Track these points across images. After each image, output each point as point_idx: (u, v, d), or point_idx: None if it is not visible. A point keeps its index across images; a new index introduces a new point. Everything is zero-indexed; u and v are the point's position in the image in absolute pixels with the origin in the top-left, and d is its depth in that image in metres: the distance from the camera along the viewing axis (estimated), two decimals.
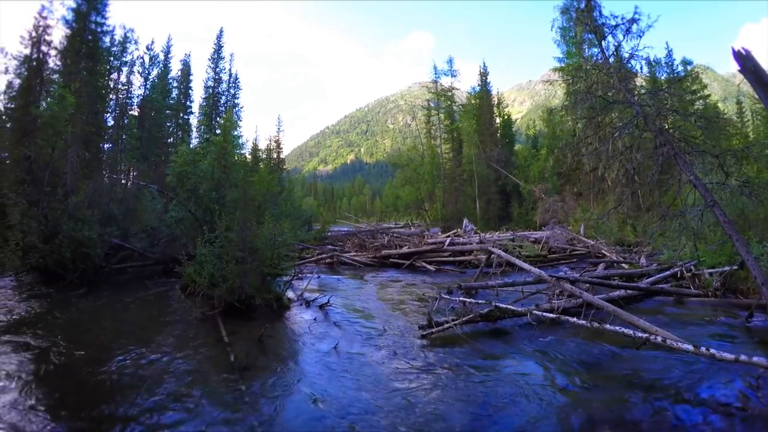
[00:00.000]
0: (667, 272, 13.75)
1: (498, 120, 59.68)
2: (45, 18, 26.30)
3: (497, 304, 9.40)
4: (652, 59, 47.15)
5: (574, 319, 8.25)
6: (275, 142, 53.88)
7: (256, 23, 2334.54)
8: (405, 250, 22.21)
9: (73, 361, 7.21)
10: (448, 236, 27.01)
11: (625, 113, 8.97)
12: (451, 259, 20.93)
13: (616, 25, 10.09)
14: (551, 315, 8.68)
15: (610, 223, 26.45)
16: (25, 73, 25.18)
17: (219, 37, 45.84)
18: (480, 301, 10.03)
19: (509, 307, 9.39)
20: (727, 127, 44.68)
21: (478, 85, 58.68)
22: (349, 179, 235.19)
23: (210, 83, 44.52)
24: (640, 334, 6.94)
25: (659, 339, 6.75)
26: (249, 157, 47.03)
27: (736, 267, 11.62)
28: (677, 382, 6.29)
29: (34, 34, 26.18)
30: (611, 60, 9.46)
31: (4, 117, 24.74)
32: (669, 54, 47.68)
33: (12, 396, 5.71)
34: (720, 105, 49.14)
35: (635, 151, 8.69)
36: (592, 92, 9.53)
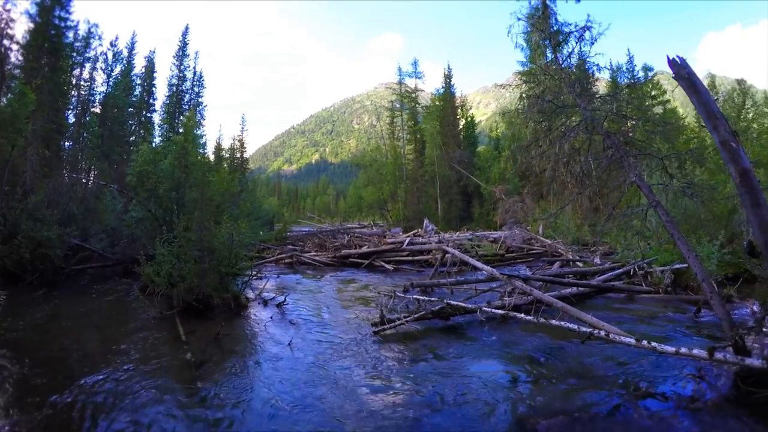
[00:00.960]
0: (620, 270, 14.32)
1: (462, 122, 60.40)
2: (8, 11, 25.91)
3: (449, 301, 9.80)
4: (614, 65, 48.38)
5: (522, 315, 8.62)
6: (239, 141, 53.47)
7: (221, 20, 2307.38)
8: (364, 249, 22.55)
9: (32, 360, 7.33)
10: (408, 236, 27.43)
11: (575, 117, 9.35)
12: (410, 258, 21.32)
13: (570, 33, 10.54)
14: (500, 311, 9.06)
15: (567, 223, 27.22)
16: None
17: (184, 34, 45.45)
18: (432, 299, 10.32)
19: (460, 304, 9.77)
20: (685, 130, 46.20)
21: (442, 87, 59.33)
22: (313, 179, 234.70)
23: (174, 81, 44.10)
24: (584, 329, 7.22)
25: (603, 333, 7.01)
26: (212, 156, 46.82)
27: (685, 265, 11.89)
28: (621, 374, 6.69)
29: None
30: (564, 65, 9.88)
31: None
32: (630, 60, 49.11)
33: None
34: (681, 109, 50.59)
35: (586, 153, 9.02)
36: (541, 97, 9.94)
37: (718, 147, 4.88)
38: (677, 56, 5.79)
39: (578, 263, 18.50)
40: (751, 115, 42.49)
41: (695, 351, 5.91)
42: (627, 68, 49.46)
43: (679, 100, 46.90)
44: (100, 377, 6.64)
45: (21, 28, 27.28)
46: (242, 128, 55.20)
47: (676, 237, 7.18)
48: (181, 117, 41.56)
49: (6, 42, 25.56)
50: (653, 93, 48.09)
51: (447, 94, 58.84)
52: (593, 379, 6.63)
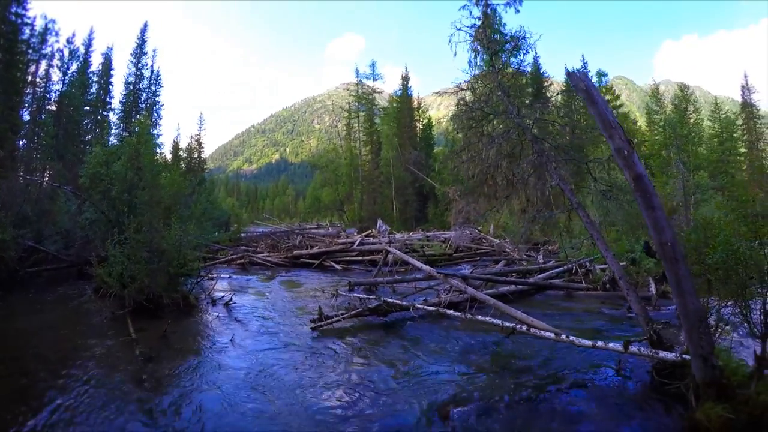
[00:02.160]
0: (561, 268, 15.06)
1: (419, 123, 61.08)
2: None
3: (385, 299, 10.38)
4: (570, 69, 49.90)
5: (452, 311, 9.28)
6: (196, 141, 53.02)
7: (182, 18, 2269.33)
8: (315, 250, 22.94)
9: None
10: (360, 237, 28.02)
11: (506, 123, 9.89)
12: (359, 258, 21.79)
13: (506, 42, 11.19)
14: (431, 308, 9.70)
15: (516, 223, 28.16)
16: None
17: (143, 31, 45.10)
18: (371, 297, 10.87)
19: (395, 301, 10.41)
20: (636, 134, 47.73)
21: (400, 89, 59.84)
22: (273, 179, 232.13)
23: (131, 79, 43.65)
24: (507, 324, 7.69)
25: (524, 328, 7.52)
26: (170, 156, 46.54)
27: (624, 263, 12.63)
28: (544, 367, 7.24)
29: None
30: (499, 73, 10.46)
31: None
32: (584, 65, 50.48)
33: None
34: (637, 113, 52.30)
35: (518, 158, 9.53)
36: (469, 105, 10.56)
37: (614, 154, 5.18)
38: (576, 69, 6.35)
39: (522, 262, 19.26)
40: (693, 120, 44.00)
41: (611, 344, 6.32)
42: (582, 72, 50.62)
43: (636, 104, 48.44)
44: (53, 373, 7.11)
45: None
46: (200, 127, 54.98)
47: (596, 237, 7.74)
48: (138, 116, 41.23)
49: None
50: (607, 97, 49.37)
51: (404, 95, 59.37)
52: (515, 371, 7.12)
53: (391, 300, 10.51)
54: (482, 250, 24.10)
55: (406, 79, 59.76)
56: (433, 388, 6.52)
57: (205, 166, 56.31)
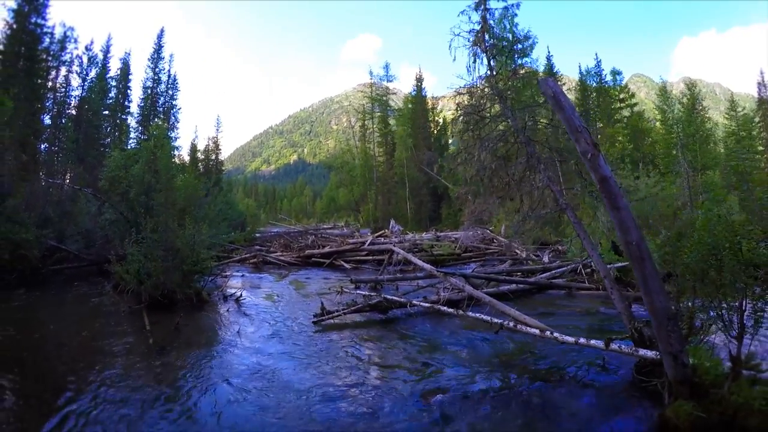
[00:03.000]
0: (565, 268, 15.14)
1: (433, 124, 61.22)
2: None
3: (385, 296, 10.92)
4: (584, 69, 49.61)
5: (446, 308, 9.74)
6: (214, 142, 53.63)
7: (203, 19, 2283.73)
8: (327, 249, 23.35)
9: (14, 348, 8.42)
10: (372, 237, 28.43)
11: (501, 126, 10.09)
12: (369, 258, 22.12)
13: (503, 47, 11.45)
14: (426, 305, 10.21)
15: (536, 225, 28.32)
16: None
17: (160, 36, 45.85)
18: (372, 294, 11.44)
19: (394, 298, 10.87)
20: (650, 133, 47.44)
21: (414, 90, 60.05)
22: (291, 180, 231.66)
23: (149, 84, 44.47)
24: (496, 320, 8.01)
25: (512, 324, 7.82)
26: (187, 158, 47.24)
27: (627, 263, 12.07)
28: (530, 362, 7.52)
29: None
30: (497, 77, 10.66)
31: None
32: (597, 64, 50.28)
33: None
34: (655, 112, 51.61)
35: (515, 160, 9.57)
36: (465, 109, 10.83)
37: (581, 157, 5.28)
38: (547, 78, 6.50)
39: (528, 262, 19.54)
40: (700, 118, 43.43)
41: (593, 342, 6.51)
42: (595, 72, 50.45)
43: (654, 102, 47.56)
44: (73, 359, 7.83)
45: None
46: (217, 129, 55.45)
47: (582, 237, 7.88)
48: (156, 120, 42.00)
49: None
50: (621, 96, 49.11)
51: (418, 96, 59.54)
52: (502, 365, 7.40)
53: (390, 297, 10.98)
54: (491, 250, 24.21)
55: (419, 80, 59.97)
56: (418, 378, 6.90)
57: (222, 168, 56.77)
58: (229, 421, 5.40)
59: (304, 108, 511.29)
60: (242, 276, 18.46)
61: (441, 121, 63.16)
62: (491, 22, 11.20)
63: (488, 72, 10.78)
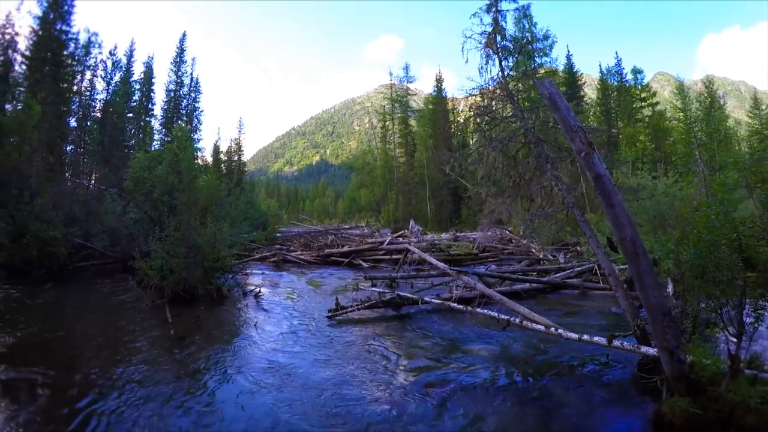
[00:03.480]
0: (580, 268, 15.12)
1: (453, 125, 61.20)
2: (12, 25, 27.55)
3: (398, 293, 11.29)
4: (604, 68, 49.28)
5: (456, 304, 10.06)
6: (236, 144, 54.20)
7: (227, 18, 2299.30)
8: (345, 249, 23.70)
9: (44, 339, 8.92)
10: (391, 237, 28.74)
11: (513, 126, 10.23)
12: (387, 257, 22.40)
13: (514, 47, 11.57)
14: (437, 301, 10.61)
15: (546, 223, 28.28)
16: None
17: (182, 40, 46.62)
18: (386, 291, 11.82)
19: (407, 295, 11.23)
20: (671, 132, 46.91)
21: (434, 91, 60.13)
22: (314, 181, 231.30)
23: (171, 86, 45.26)
24: (503, 317, 8.25)
25: (518, 320, 8.03)
26: (210, 159, 47.92)
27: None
28: (535, 357, 7.70)
29: (0, 37, 27.42)
30: (508, 78, 10.75)
31: None
32: (618, 63, 49.90)
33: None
34: (677, 110, 50.80)
35: (524, 160, 9.64)
36: (476, 110, 10.98)
37: (576, 156, 5.42)
38: (543, 79, 6.61)
39: (544, 262, 19.64)
40: (718, 117, 42.72)
41: (596, 338, 6.59)
42: (616, 71, 50.11)
43: (678, 100, 46.73)
44: (99, 348, 8.36)
45: (23, 39, 29.00)
46: (239, 131, 56.02)
47: (589, 235, 7.88)
48: (179, 122, 42.75)
49: (11, 53, 27.32)
50: (643, 95, 48.60)
51: (438, 97, 59.56)
52: (508, 360, 7.65)
53: (403, 294, 11.32)
54: (509, 250, 24.21)
55: (439, 80, 59.78)
56: (421, 370, 7.24)
57: (245, 169, 57.29)
58: (244, 410, 5.74)
59: (326, 109, 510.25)
60: (262, 274, 18.90)
61: (462, 121, 62.95)
62: (503, 23, 11.29)
63: (500, 73, 10.86)
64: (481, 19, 11.19)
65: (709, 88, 46.70)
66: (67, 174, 29.09)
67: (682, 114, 43.81)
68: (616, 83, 49.81)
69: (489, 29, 11.06)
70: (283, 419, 5.42)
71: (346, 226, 38.84)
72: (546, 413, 5.64)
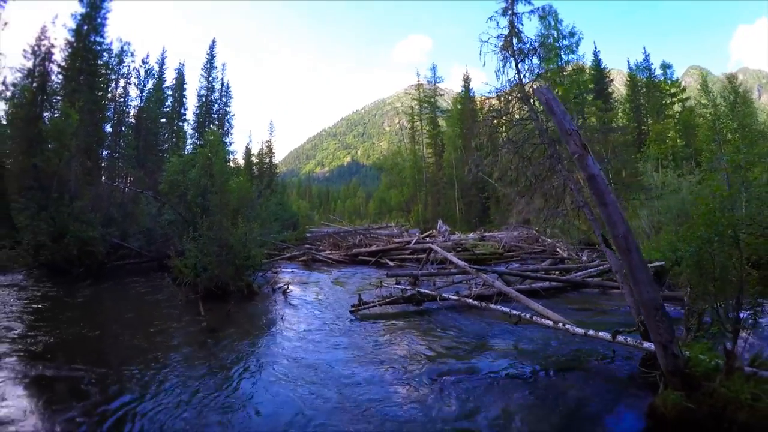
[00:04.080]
0: (601, 267, 15.00)
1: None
2: (48, 37, 28.91)
3: (419, 289, 11.83)
4: (632, 63, 48.58)
5: (472, 301, 10.54)
6: (267, 146, 54.80)
7: (254, 22, 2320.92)
8: (373, 248, 24.31)
9: (85, 331, 9.67)
10: (418, 237, 29.25)
11: (529, 128, 10.48)
12: (412, 256, 22.88)
13: (529, 50, 11.78)
14: (454, 297, 11.05)
15: (569, 224, 28.29)
16: (30, 85, 27.74)
17: (212, 47, 47.56)
18: (407, 288, 12.30)
19: (426, 291, 11.78)
20: (700, 128, 45.90)
21: (462, 91, 60.13)
22: (345, 182, 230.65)
23: (203, 92, 46.33)
24: (515, 312, 8.59)
25: (528, 316, 8.40)
26: (242, 161, 48.83)
27: (662, 263, 12.59)
28: (543, 351, 8.01)
29: (36, 49, 28.70)
30: (525, 80, 10.95)
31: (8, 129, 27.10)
32: (646, 58, 49.17)
33: (52, 348, 8.18)
34: (709, 110, 49.56)
35: (538, 160, 9.84)
36: (492, 113, 11.23)
37: (573, 157, 5.61)
38: (541, 87, 6.76)
39: (568, 261, 19.81)
40: (743, 112, 41.57)
41: (601, 333, 6.84)
42: (644, 66, 49.39)
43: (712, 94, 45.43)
44: (138, 337, 9.13)
45: (59, 50, 30.46)
46: (270, 133, 56.75)
47: (598, 234, 8.14)
48: (211, 126, 43.86)
49: (47, 64, 28.66)
50: (672, 91, 47.73)
51: (466, 96, 59.53)
52: (516, 353, 7.96)
53: (423, 290, 11.86)
54: (534, 250, 24.37)
55: (467, 80, 59.69)
56: (435, 360, 7.77)
57: (276, 170, 57.86)
58: (270, 400, 6.22)
59: (357, 110, 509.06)
60: (291, 272, 19.58)
61: (480, 121, 62.07)
62: (519, 26, 11.47)
63: (516, 76, 11.01)
64: (498, 23, 11.35)
65: (732, 82, 45.50)
66: (103, 177, 30.25)
67: (705, 110, 42.97)
68: (644, 79, 49.15)
69: (505, 32, 11.25)
70: (308, 414, 5.72)
71: (376, 227, 39.15)
72: (550, 404, 5.90)
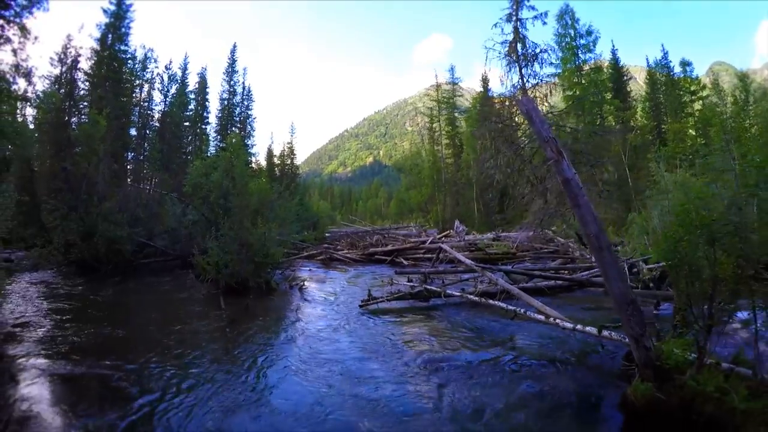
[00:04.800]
0: None
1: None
2: (74, 46, 30.90)
3: (426, 286, 12.52)
4: (651, 61, 48.18)
5: (473, 297, 11.20)
6: (288, 147, 55.29)
7: (277, 21, 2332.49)
8: (388, 248, 25.09)
9: (115, 326, 10.34)
10: (434, 236, 29.82)
11: (531, 132, 10.77)
12: (427, 255, 23.42)
13: (530, 56, 12.17)
14: (458, 294, 11.68)
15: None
16: (58, 92, 29.30)
17: (233, 51, 48.81)
18: (415, 285, 13.06)
19: (432, 288, 12.40)
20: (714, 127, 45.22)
21: (481, 91, 60.13)
22: (368, 182, 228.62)
23: (225, 96, 47.46)
24: (510, 308, 9.24)
25: (523, 311, 8.95)
26: (264, 163, 49.76)
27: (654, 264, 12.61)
28: (536, 345, 8.36)
29: (63, 56, 30.03)
30: (528, 84, 11.35)
31: (36, 134, 28.37)
32: (665, 56, 48.65)
33: (85, 338, 9.09)
34: (730, 108, 48.59)
35: (541, 163, 9.73)
36: (495, 118, 11.54)
37: (550, 162, 5.94)
38: (522, 97, 7.14)
39: (578, 261, 20.20)
40: (754, 111, 40.75)
41: (588, 328, 7.18)
42: (663, 64, 48.97)
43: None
44: (163, 331, 9.93)
45: (85, 58, 31.90)
46: (291, 134, 57.30)
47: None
48: (233, 128, 45.02)
49: (74, 72, 30.05)
50: (692, 89, 47.04)
51: (485, 97, 59.61)
52: (510, 346, 8.38)
53: (429, 287, 12.50)
54: (547, 250, 24.70)
55: (485, 80, 59.70)
56: (433, 350, 8.36)
57: (298, 171, 58.27)
58: (281, 381, 6.92)
59: (378, 110, 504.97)
60: (309, 270, 20.45)
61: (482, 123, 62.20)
62: (523, 32, 11.78)
63: (520, 80, 11.37)
64: (502, 29, 11.71)
65: (743, 80, 44.73)
66: (129, 179, 31.48)
67: (718, 109, 42.28)
68: (663, 76, 48.65)
69: (510, 38, 11.58)
70: (321, 402, 6.04)
71: (395, 227, 39.48)
72: (535, 393, 6.28)
